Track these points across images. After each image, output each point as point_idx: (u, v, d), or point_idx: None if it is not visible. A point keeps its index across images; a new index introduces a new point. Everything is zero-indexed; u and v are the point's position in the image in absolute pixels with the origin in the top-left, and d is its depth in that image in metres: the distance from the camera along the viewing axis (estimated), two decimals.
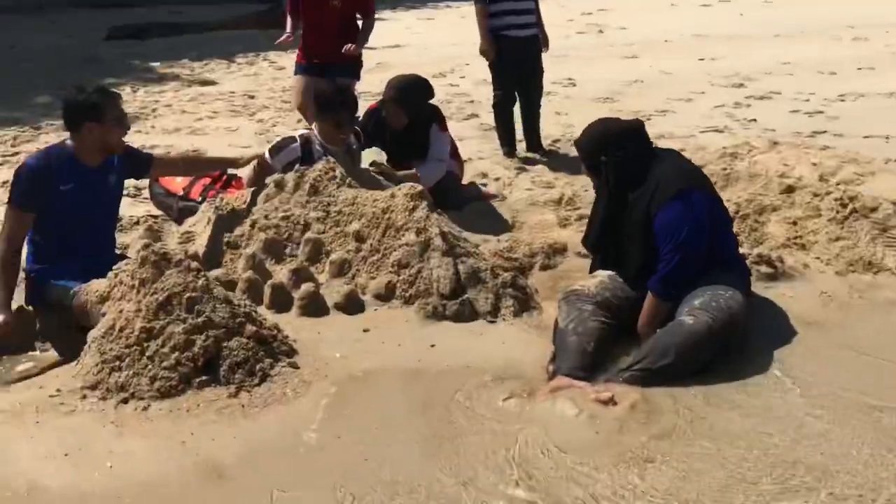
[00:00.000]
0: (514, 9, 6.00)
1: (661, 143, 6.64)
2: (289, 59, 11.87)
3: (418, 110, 5.19)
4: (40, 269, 3.69)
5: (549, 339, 3.40)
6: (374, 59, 11.76)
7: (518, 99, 6.27)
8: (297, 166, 4.82)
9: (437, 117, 5.27)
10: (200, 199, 5.12)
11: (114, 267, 3.45)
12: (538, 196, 5.39)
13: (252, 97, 8.91)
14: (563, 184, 5.65)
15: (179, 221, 5.01)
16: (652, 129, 7.11)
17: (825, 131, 6.94)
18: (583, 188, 5.46)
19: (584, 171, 3.74)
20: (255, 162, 4.70)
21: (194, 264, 3.30)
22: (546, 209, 5.21)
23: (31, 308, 3.71)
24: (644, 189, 3.38)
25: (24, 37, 14.75)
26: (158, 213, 5.16)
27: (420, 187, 4.09)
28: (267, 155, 4.74)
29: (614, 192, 3.50)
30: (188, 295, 3.16)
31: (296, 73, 6.06)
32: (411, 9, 20.49)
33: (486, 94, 8.80)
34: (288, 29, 5.86)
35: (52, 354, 3.55)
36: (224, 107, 8.37)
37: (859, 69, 9.57)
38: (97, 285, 3.47)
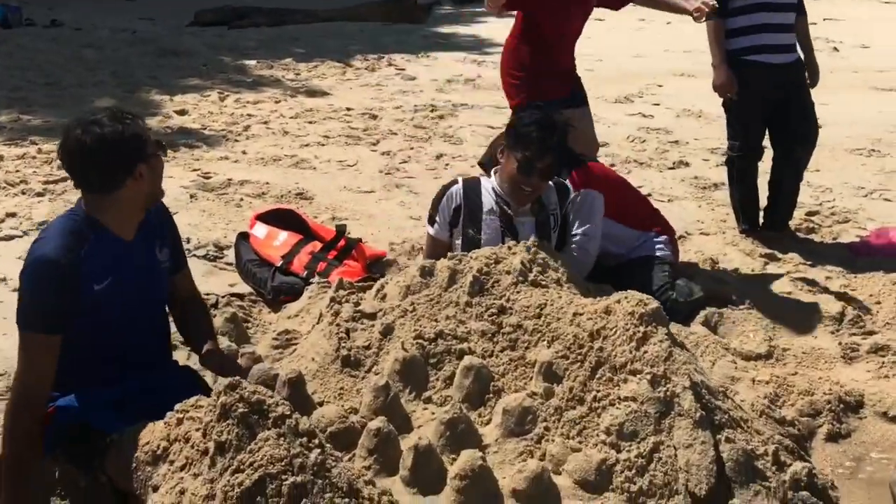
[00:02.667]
0: (766, 23, 5.05)
1: None
2: (420, 66, 11.49)
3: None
4: (60, 401, 2.98)
5: None
6: None
7: (774, 154, 5.32)
8: (459, 225, 4.09)
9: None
10: (306, 272, 4.48)
11: (179, 405, 2.73)
12: (804, 304, 4.43)
13: (374, 117, 8.33)
14: (839, 285, 4.67)
15: (274, 304, 4.35)
16: None
17: None
18: (872, 297, 4.50)
19: None
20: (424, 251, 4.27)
21: (305, 424, 2.53)
22: (821, 328, 4.27)
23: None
24: None
25: (95, 16, 14.88)
26: (246, 289, 4.49)
27: (654, 302, 3.22)
28: (428, 226, 4.21)
29: None
30: (293, 479, 2.40)
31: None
32: None
33: (692, 131, 7.94)
34: None
35: None
36: (338, 129, 7.80)
37: None
38: (148, 431, 2.77)
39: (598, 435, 3.02)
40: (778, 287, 4.67)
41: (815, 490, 2.91)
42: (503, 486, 2.95)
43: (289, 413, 2.55)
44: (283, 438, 2.48)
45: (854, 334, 4.22)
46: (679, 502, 2.82)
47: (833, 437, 3.60)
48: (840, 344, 4.13)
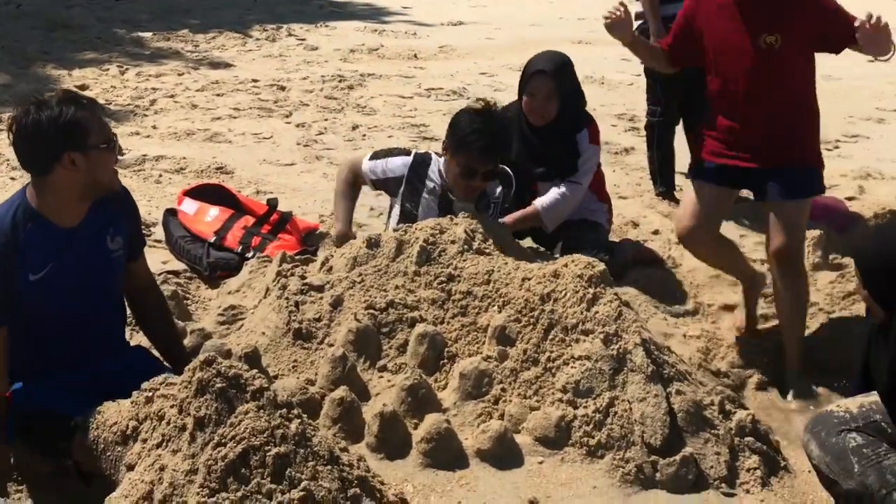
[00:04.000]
0: None
1: (868, 184, 5.95)
2: (320, 36, 11.40)
3: (573, 99, 4.44)
4: (16, 387, 2.94)
5: None
6: (432, 39, 11.19)
7: (682, 118, 5.50)
8: (398, 196, 4.12)
9: (589, 122, 4.51)
10: (240, 247, 4.46)
11: (146, 384, 2.73)
12: None
13: (283, 88, 8.26)
14: (753, 242, 4.89)
15: (212, 281, 4.32)
16: (845, 163, 6.56)
17: None
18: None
19: (860, 294, 2.98)
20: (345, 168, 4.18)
21: (283, 395, 2.56)
22: (737, 286, 4.47)
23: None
24: None
25: None
26: (180, 265, 4.44)
27: (601, 264, 3.34)
28: (366, 156, 4.21)
29: None
30: (276, 450, 2.43)
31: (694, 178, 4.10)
32: None
33: (597, 97, 8.12)
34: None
35: None
36: (248, 101, 7.71)
37: None
38: (114, 412, 2.76)
39: (554, 393, 3.12)
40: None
41: (758, 435, 3.09)
42: (467, 448, 3.05)
43: (266, 386, 2.57)
44: (262, 411, 2.50)
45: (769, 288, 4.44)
46: (636, 453, 2.95)
47: (762, 386, 3.81)
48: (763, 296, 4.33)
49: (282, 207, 4.92)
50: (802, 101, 3.87)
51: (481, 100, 4.23)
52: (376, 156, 4.20)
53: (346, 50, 10.35)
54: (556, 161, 4.40)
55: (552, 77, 4.30)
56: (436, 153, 4.21)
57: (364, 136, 6.78)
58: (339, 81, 8.58)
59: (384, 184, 4.20)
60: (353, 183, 4.20)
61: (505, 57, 10.17)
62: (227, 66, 9.30)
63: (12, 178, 5.65)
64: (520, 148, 4.46)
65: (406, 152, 4.19)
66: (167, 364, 3.22)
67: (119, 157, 3.08)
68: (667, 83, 5.33)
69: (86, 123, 2.86)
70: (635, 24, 5.49)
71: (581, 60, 9.71)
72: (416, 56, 10.18)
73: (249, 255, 4.40)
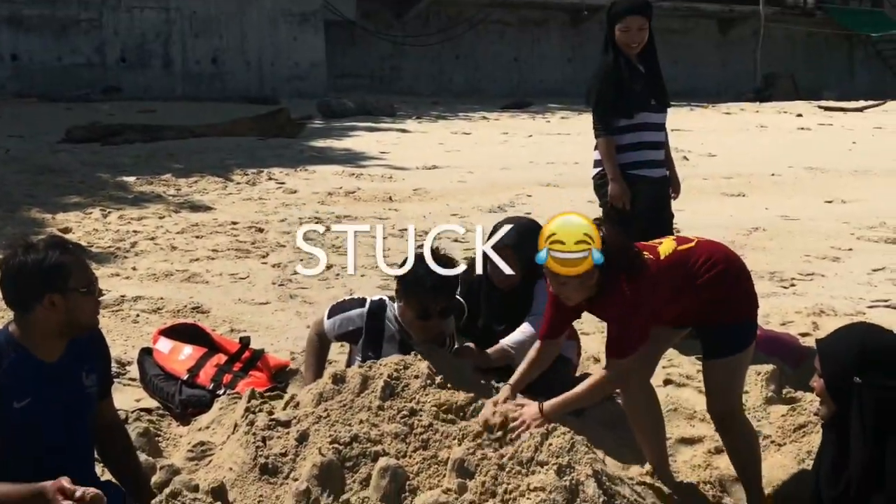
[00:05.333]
0: (645, 140, 5.55)
1: (822, 321, 6.15)
2: (299, 180, 11.76)
3: (533, 263, 4.62)
4: None
5: None
6: (408, 182, 11.56)
7: None
8: (358, 347, 4.28)
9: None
10: (212, 385, 4.59)
11: None
12: (681, 399, 4.77)
13: (261, 230, 8.50)
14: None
15: (183, 418, 4.42)
16: (800, 300, 6.80)
17: None
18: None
19: (816, 390, 3.16)
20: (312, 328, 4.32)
21: None
22: (694, 420, 4.61)
23: None
24: None
25: None
26: (153, 403, 4.54)
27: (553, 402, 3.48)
28: (325, 314, 4.34)
29: (870, 433, 2.94)
30: None
31: None
32: (440, 119, 20.72)
33: None
34: None
35: None
36: (226, 243, 7.92)
37: None
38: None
39: None
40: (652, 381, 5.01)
41: None
42: None
43: None
44: None
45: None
46: None
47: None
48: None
49: (254, 345, 5.04)
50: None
51: (425, 245, 4.42)
52: (333, 312, 4.34)
53: (324, 193, 10.67)
54: (518, 316, 4.56)
55: (514, 250, 4.43)
56: (389, 298, 4.35)
57: (337, 275, 6.98)
58: (316, 223, 8.84)
59: (344, 337, 4.35)
60: (320, 343, 4.37)
61: (475, 199, 10.51)
62: (208, 208, 9.58)
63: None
64: (486, 310, 4.63)
65: (361, 303, 4.32)
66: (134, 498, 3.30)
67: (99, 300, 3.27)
68: (623, 227, 5.58)
69: (68, 268, 3.05)
70: (594, 171, 5.82)
71: (548, 202, 10.13)
72: (390, 198, 10.51)
73: (221, 391, 4.51)
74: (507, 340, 4.52)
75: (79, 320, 3.11)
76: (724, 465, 4.13)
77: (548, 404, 3.57)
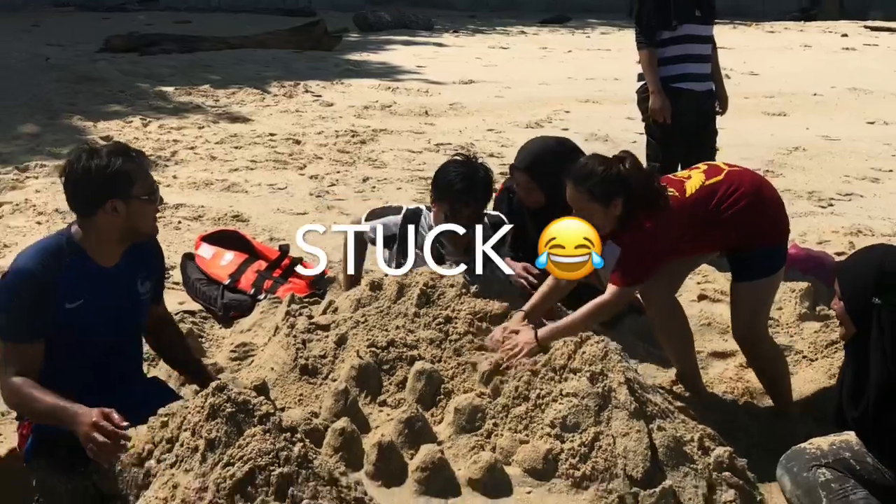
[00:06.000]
0: (691, 53, 5.48)
1: (858, 241, 6.13)
2: (336, 93, 11.74)
3: (557, 182, 4.60)
4: None
5: None
6: (444, 97, 11.50)
7: None
8: (393, 251, 4.33)
9: None
10: (253, 290, 4.68)
11: (161, 409, 2.92)
12: (715, 314, 4.81)
13: (298, 142, 8.54)
14: None
15: (225, 320, 4.53)
16: (838, 220, 6.76)
17: None
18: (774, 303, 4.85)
19: (835, 311, 3.18)
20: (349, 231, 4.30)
21: (287, 420, 2.75)
22: (727, 335, 4.65)
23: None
24: None
25: (0, 42, 14.65)
26: (196, 306, 4.66)
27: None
28: (363, 218, 4.42)
29: (888, 354, 2.97)
30: (280, 471, 2.61)
31: None
32: (477, 33, 20.46)
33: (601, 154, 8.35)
34: None
35: None
36: (265, 154, 7.97)
37: None
38: (135, 436, 2.94)
39: (543, 428, 3.29)
40: (688, 296, 5.06)
41: (735, 470, 3.24)
42: (459, 477, 3.22)
43: (272, 411, 2.77)
44: (268, 434, 2.69)
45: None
46: (619, 484, 3.11)
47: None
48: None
49: (293, 254, 5.14)
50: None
51: (461, 152, 4.42)
52: (371, 216, 4.41)
53: (360, 106, 10.66)
54: None
55: (525, 172, 4.44)
56: (427, 207, 4.39)
57: (374, 188, 7.03)
58: (352, 136, 8.87)
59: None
60: (357, 246, 4.42)
61: (512, 115, 10.46)
62: (246, 120, 9.62)
63: (38, 223, 5.91)
64: (532, 228, 4.60)
65: (398, 210, 4.36)
66: (187, 388, 3.42)
67: (159, 207, 3.32)
68: (665, 142, 5.56)
69: (132, 175, 3.10)
70: (637, 84, 5.78)
71: (587, 119, 10.06)
72: (426, 113, 10.48)
73: (261, 297, 4.61)
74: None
75: (139, 227, 3.17)
76: (755, 378, 4.19)
77: (542, 331, 3.56)
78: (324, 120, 9.78)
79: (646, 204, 3.62)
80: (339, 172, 7.47)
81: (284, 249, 4.98)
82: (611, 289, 3.65)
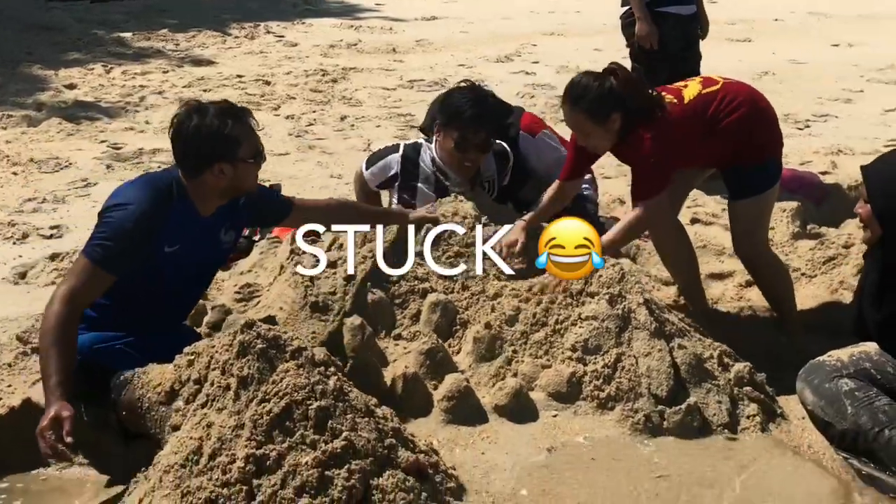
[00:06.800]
0: None
1: (840, 160, 6.18)
2: (298, 33, 11.51)
3: (498, 126, 4.29)
4: (91, 341, 3.06)
5: (823, 467, 2.96)
6: (409, 34, 11.33)
7: None
8: (395, 190, 4.29)
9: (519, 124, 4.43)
10: (248, 231, 4.57)
11: (186, 348, 2.87)
12: (709, 237, 4.83)
13: (268, 83, 8.37)
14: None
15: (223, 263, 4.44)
16: (816, 141, 6.80)
17: None
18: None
19: (861, 214, 3.17)
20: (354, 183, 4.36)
21: (321, 354, 2.72)
22: (723, 256, 4.68)
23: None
24: None
25: None
26: None
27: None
28: (363, 166, 4.37)
29: None
30: (317, 404, 2.57)
31: None
32: None
33: None
34: None
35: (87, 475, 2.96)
36: (235, 96, 7.81)
37: None
38: (157, 373, 2.89)
39: (564, 352, 3.29)
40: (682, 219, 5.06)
41: (755, 385, 3.28)
42: (485, 405, 3.21)
43: (304, 346, 2.73)
44: (302, 368, 2.65)
45: None
46: (644, 403, 3.13)
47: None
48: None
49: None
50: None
51: (466, 80, 4.36)
52: (370, 162, 4.35)
53: (325, 46, 10.47)
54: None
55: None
56: (425, 140, 4.32)
57: (353, 125, 6.93)
58: (323, 75, 8.72)
59: (385, 184, 4.35)
60: (366, 197, 4.37)
61: (480, 49, 10.34)
62: (210, 63, 9.40)
63: (14, 174, 5.75)
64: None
65: (395, 148, 4.30)
66: None
67: (257, 163, 3.26)
68: (651, 67, 5.51)
69: (240, 137, 3.09)
70: (621, 10, 5.70)
71: (554, 52, 9.97)
72: (394, 50, 10.33)
73: (257, 237, 4.53)
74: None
75: (241, 186, 3.19)
76: (756, 296, 4.22)
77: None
78: (290, 60, 9.60)
79: (644, 116, 3.61)
80: (314, 112, 7.34)
81: (277, 189, 4.88)
82: (638, 205, 3.65)
